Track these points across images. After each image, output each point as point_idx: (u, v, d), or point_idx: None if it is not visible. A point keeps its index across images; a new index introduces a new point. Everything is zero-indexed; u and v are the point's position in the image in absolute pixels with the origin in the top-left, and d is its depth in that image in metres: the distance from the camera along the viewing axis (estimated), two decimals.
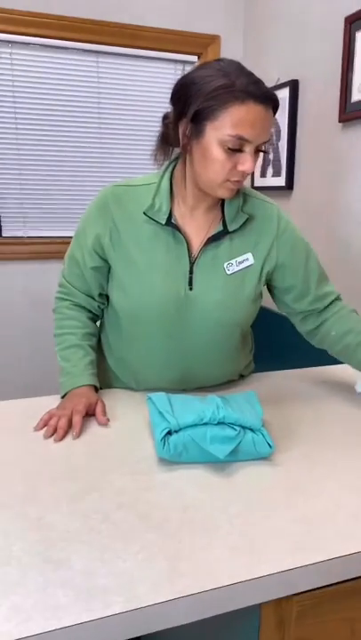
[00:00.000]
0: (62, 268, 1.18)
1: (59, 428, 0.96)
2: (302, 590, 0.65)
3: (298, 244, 1.13)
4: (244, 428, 0.88)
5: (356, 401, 1.14)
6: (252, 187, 2.34)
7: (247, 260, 1.08)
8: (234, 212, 1.06)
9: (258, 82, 0.91)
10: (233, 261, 1.07)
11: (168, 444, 0.85)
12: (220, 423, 0.87)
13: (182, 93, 0.95)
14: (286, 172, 2.18)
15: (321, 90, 1.97)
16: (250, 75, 0.92)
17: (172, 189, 1.06)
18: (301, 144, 2.12)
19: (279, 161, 2.24)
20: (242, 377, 1.28)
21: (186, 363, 1.12)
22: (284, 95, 2.16)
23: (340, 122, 1.85)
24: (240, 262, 1.07)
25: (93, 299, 1.16)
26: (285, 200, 2.23)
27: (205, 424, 0.87)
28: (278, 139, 2.23)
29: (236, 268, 1.07)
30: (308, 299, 1.14)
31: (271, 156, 2.30)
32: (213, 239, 1.06)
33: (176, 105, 0.97)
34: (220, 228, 1.06)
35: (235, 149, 0.92)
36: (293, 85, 2.10)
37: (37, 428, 0.98)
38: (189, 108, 0.93)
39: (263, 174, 2.38)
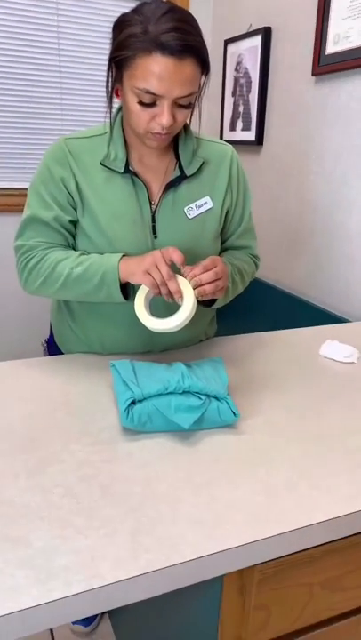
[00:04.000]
0: (16, 240, 1.07)
1: (174, 292, 0.92)
2: (264, 560, 0.66)
3: (244, 195, 1.16)
4: (209, 396, 0.87)
5: (320, 365, 1.14)
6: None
7: (206, 203, 1.08)
8: (189, 157, 1.06)
9: (176, 29, 0.83)
10: (193, 205, 1.07)
11: (132, 413, 0.83)
12: (185, 392, 0.86)
13: (112, 36, 0.91)
14: (256, 127, 2.11)
15: (295, 40, 1.88)
16: (171, 21, 0.84)
17: (125, 137, 1.03)
18: (273, 97, 2.04)
19: (249, 114, 2.16)
20: (207, 338, 1.27)
21: None
22: (256, 44, 2.06)
23: (313, 75, 1.78)
24: (200, 206, 1.08)
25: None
26: (255, 156, 2.17)
27: (170, 393, 0.85)
28: (249, 90, 2.14)
29: (197, 212, 1.08)
30: (224, 244, 1.19)
31: (241, 109, 2.21)
32: (172, 184, 1.05)
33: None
34: (178, 173, 1.05)
35: (150, 103, 0.89)
36: (266, 33, 2.00)
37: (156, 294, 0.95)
38: (110, 53, 0.90)
39: (233, 128, 2.30)
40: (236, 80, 2.24)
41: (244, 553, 0.63)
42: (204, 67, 0.91)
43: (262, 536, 0.64)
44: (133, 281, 0.97)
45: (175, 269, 0.95)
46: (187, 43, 0.84)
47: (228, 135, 2.33)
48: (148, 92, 0.87)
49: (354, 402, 0.99)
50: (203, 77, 0.92)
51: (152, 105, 0.90)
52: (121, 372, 0.93)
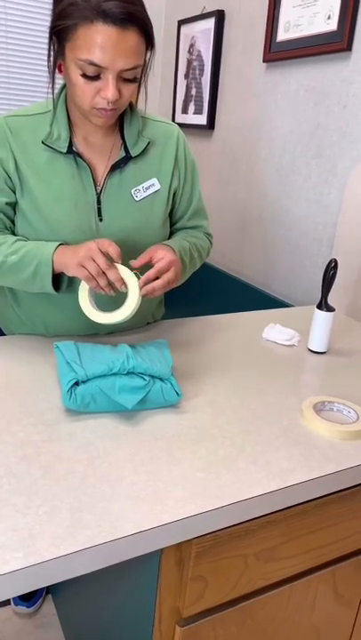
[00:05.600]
0: None
1: (115, 281, 0.92)
2: (201, 534, 0.68)
3: (192, 174, 1.15)
4: (153, 377, 0.88)
5: (263, 347, 1.18)
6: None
7: (153, 185, 1.07)
8: (135, 137, 1.04)
9: None
10: (140, 187, 1.06)
11: (75, 394, 0.83)
12: (129, 373, 0.87)
13: (52, 6, 0.88)
14: (208, 111, 2.11)
15: (247, 25, 1.89)
16: None
17: (69, 116, 1.01)
18: (225, 82, 2.05)
19: (201, 98, 2.15)
20: (154, 320, 1.27)
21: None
22: (209, 26, 2.05)
23: (264, 61, 1.79)
24: (147, 188, 1.06)
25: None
26: (206, 140, 2.18)
27: (114, 374, 0.86)
28: (202, 73, 2.14)
29: (144, 194, 1.06)
30: (175, 226, 1.18)
31: (194, 92, 2.21)
32: (117, 165, 1.03)
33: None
34: (123, 153, 1.03)
35: (94, 76, 0.87)
36: (219, 16, 2.00)
37: (98, 289, 0.94)
38: (51, 22, 0.88)
39: (185, 111, 2.29)
40: (189, 62, 2.23)
41: (181, 527, 0.65)
42: (149, 40, 0.89)
43: (200, 510, 0.66)
44: (68, 273, 0.95)
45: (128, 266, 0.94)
46: (129, 11, 0.82)
47: (180, 118, 2.32)
48: (91, 63, 0.85)
49: (292, 382, 1.02)
50: (148, 53, 0.91)
51: (96, 78, 0.87)
52: (65, 354, 0.92)
